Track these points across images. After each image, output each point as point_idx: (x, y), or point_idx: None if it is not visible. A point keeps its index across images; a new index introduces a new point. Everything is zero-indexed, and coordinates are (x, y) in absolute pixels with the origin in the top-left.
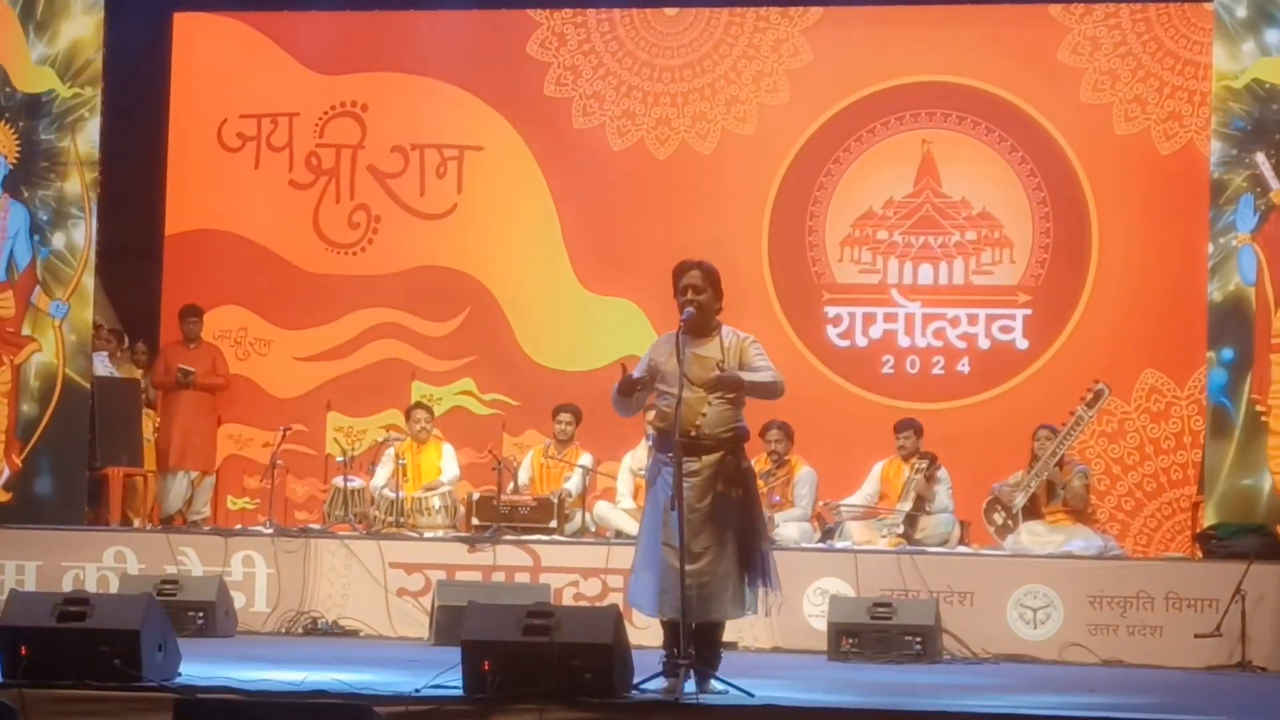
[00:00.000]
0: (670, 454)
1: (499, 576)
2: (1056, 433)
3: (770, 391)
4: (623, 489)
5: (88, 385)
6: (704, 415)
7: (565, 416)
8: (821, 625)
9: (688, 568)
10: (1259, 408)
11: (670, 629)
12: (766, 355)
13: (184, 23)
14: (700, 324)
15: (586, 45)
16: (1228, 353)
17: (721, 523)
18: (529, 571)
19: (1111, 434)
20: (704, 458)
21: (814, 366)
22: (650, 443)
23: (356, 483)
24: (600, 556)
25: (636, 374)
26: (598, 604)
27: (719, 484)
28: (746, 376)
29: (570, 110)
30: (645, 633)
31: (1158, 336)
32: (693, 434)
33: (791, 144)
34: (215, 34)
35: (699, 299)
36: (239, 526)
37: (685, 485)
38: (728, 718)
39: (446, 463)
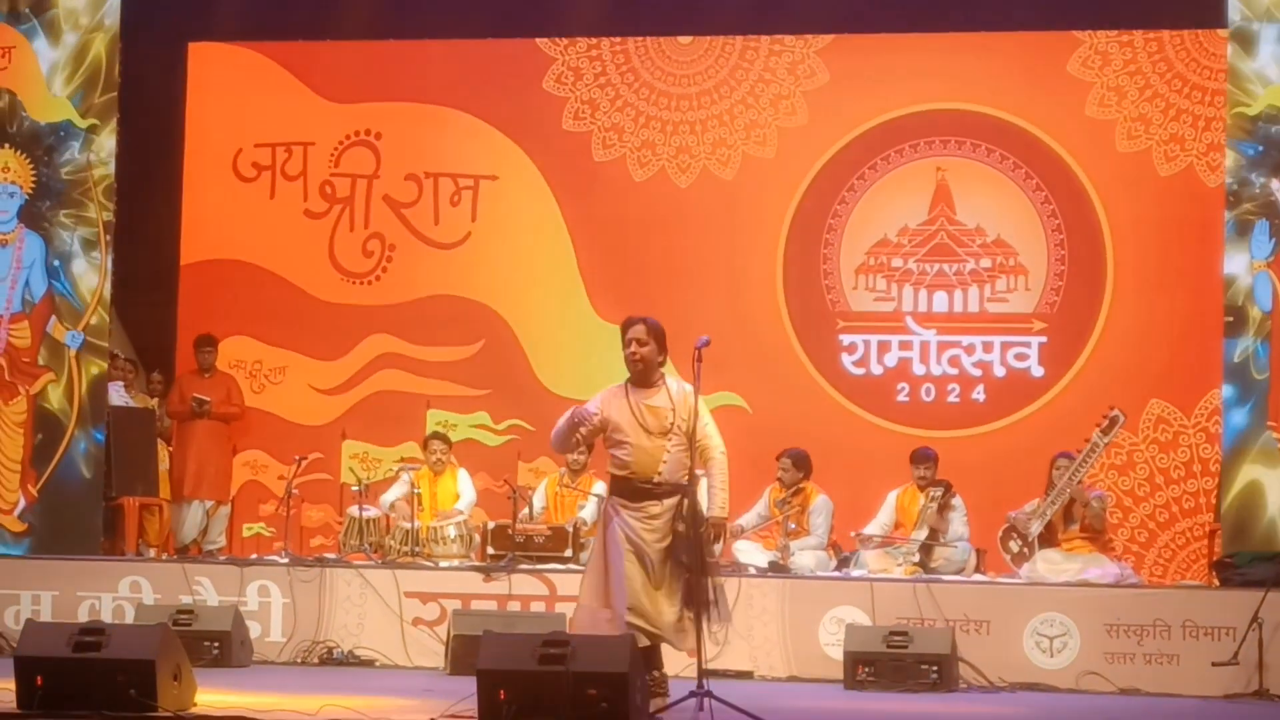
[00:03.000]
0: (627, 499)
1: (514, 605)
2: (1074, 460)
3: (727, 477)
4: None
5: (103, 415)
6: (664, 463)
7: (580, 447)
8: (837, 654)
9: (647, 600)
10: (1276, 435)
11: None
12: (707, 412)
13: (199, 53)
14: (645, 376)
15: (603, 78)
16: (1244, 380)
17: (678, 559)
18: (544, 600)
19: (1121, 465)
20: (664, 501)
21: (829, 394)
22: (607, 487)
23: (372, 512)
24: None
25: (586, 415)
26: (613, 633)
27: (678, 524)
28: (718, 503)
29: (590, 142)
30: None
31: (1173, 364)
32: (655, 480)
33: (806, 172)
34: (230, 64)
35: (642, 351)
36: (254, 556)
37: (648, 528)
38: None
39: (463, 486)
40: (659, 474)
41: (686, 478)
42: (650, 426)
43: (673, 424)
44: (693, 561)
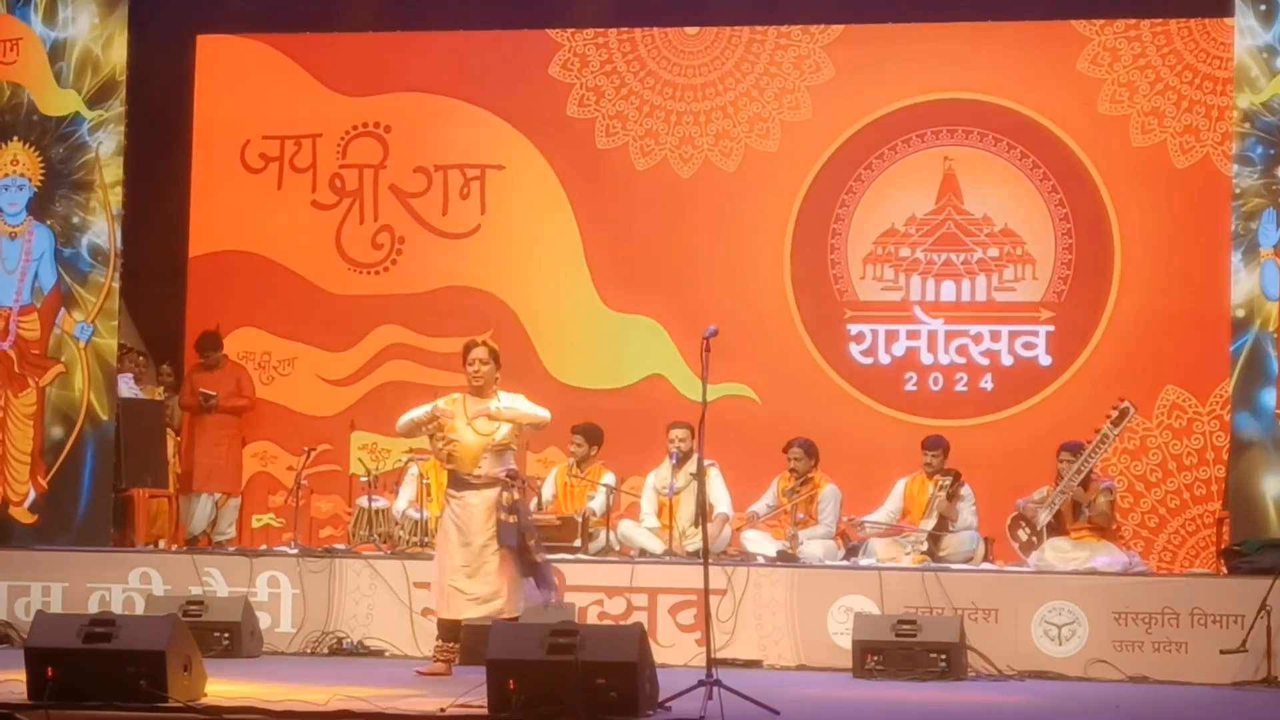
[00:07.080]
0: (454, 489)
1: None
2: (1080, 451)
3: (536, 420)
4: (646, 507)
5: (112, 407)
6: (485, 459)
7: (577, 438)
8: (846, 643)
9: (471, 581)
10: None
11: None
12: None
13: (207, 45)
14: (483, 389)
15: (608, 65)
16: (1251, 369)
17: (503, 541)
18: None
19: (1134, 450)
20: (484, 492)
21: (837, 384)
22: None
23: (381, 502)
24: (624, 575)
25: (423, 411)
26: (622, 622)
27: (500, 513)
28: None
29: (593, 130)
30: (670, 651)
31: (1180, 352)
32: (477, 473)
33: (813, 162)
34: (238, 56)
35: (484, 369)
36: (264, 547)
37: (468, 514)
38: None
39: None
40: (480, 467)
41: (505, 473)
42: (479, 429)
43: (495, 429)
44: (519, 544)
